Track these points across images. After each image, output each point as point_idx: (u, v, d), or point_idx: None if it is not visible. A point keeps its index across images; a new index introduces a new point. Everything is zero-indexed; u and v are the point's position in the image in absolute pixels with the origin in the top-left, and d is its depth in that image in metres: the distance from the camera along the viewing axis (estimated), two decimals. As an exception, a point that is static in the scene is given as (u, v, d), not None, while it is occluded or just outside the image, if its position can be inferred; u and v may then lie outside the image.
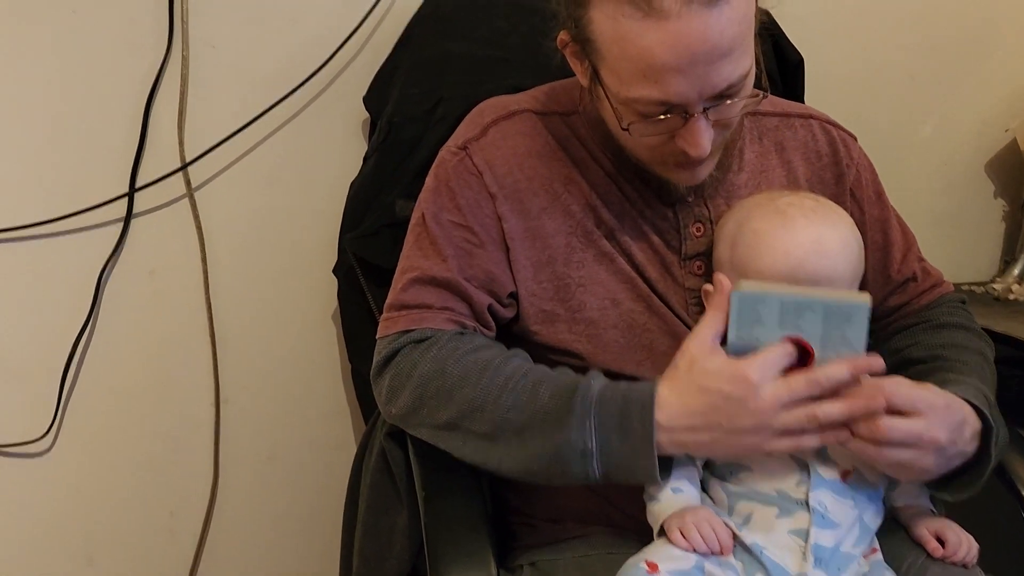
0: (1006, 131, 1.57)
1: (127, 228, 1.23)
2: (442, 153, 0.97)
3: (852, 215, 0.96)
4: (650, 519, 0.84)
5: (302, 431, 1.36)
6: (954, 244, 1.60)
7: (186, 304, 1.28)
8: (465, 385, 0.85)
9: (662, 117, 0.81)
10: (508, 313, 0.94)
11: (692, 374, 0.79)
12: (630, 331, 0.93)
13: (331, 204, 1.25)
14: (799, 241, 0.84)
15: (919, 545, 0.88)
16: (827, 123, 1.04)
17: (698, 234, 0.94)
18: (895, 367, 0.97)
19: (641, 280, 0.93)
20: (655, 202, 0.94)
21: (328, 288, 1.28)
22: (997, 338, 1.22)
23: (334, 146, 1.28)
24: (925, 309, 1.03)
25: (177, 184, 1.24)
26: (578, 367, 0.92)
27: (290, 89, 1.23)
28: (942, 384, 0.85)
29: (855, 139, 1.06)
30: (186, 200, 1.25)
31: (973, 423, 0.84)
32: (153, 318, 1.27)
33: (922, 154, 1.56)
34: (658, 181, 0.92)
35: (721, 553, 0.78)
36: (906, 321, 1.03)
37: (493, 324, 0.94)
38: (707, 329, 0.81)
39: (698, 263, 0.94)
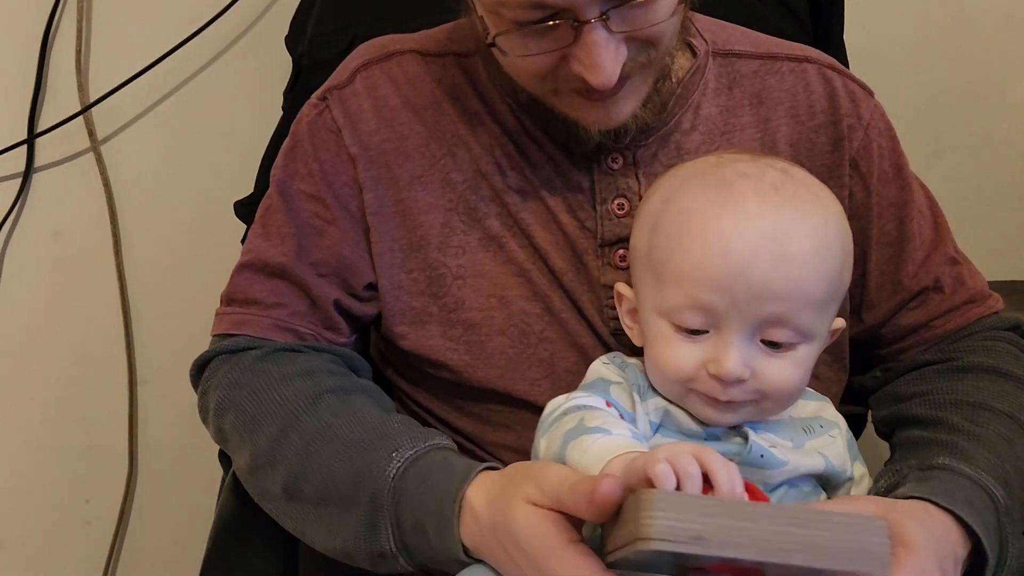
0: None
1: (27, 184, 1.12)
2: (304, 106, 0.77)
3: (853, 195, 0.74)
4: (580, 462, 0.58)
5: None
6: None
7: (95, 272, 1.17)
8: (257, 431, 0.69)
9: (545, 25, 0.60)
10: (367, 310, 0.75)
11: (508, 536, 0.56)
12: (522, 340, 0.72)
13: (256, 159, 1.08)
14: (746, 234, 0.59)
15: None
16: (829, 68, 0.77)
17: (621, 212, 0.72)
18: (891, 424, 0.76)
19: (543, 271, 0.72)
20: (568, 168, 0.72)
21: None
22: None
23: (257, 92, 1.12)
24: (953, 337, 0.76)
25: (80, 135, 1.13)
26: (456, 383, 0.74)
27: (204, 22, 1.07)
28: (927, 474, 0.65)
29: (870, 93, 0.78)
30: (91, 154, 1.14)
31: (961, 551, 0.61)
32: (59, 287, 1.17)
33: (1013, 115, 1.24)
34: (575, 139, 0.69)
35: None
36: (924, 355, 0.76)
37: (344, 326, 0.75)
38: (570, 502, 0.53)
39: (621, 251, 0.72)
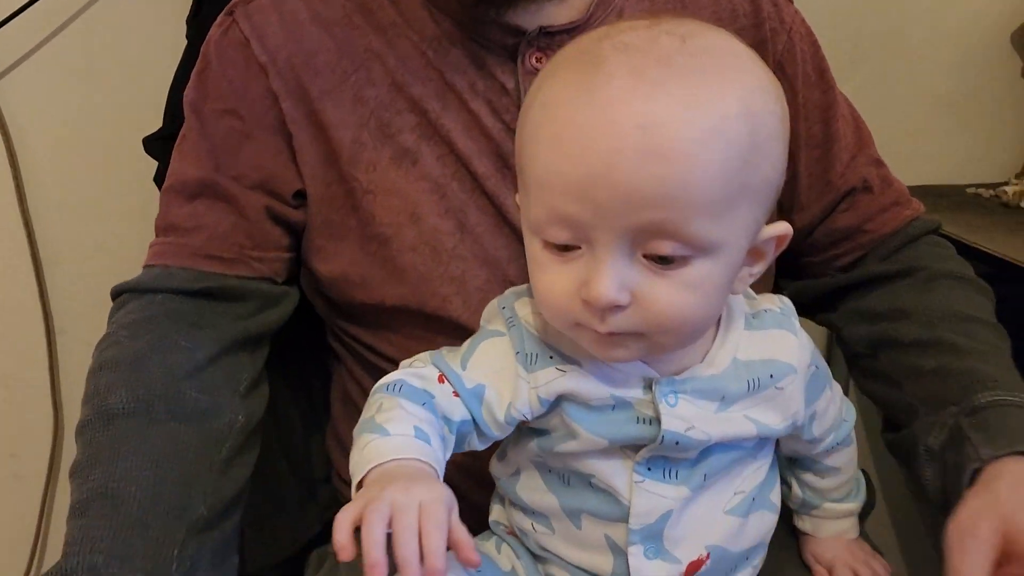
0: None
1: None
2: (211, 27, 0.74)
3: None
4: (355, 461, 0.52)
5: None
6: (963, 135, 1.31)
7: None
8: (89, 401, 0.65)
9: None
10: (300, 216, 0.73)
11: None
12: (434, 257, 0.70)
13: (163, 93, 1.02)
14: (605, 125, 0.47)
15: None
16: None
17: None
18: (876, 345, 0.72)
19: (464, 179, 0.70)
20: (492, 70, 0.70)
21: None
22: (997, 263, 0.98)
23: (160, 23, 1.06)
24: (890, 242, 0.76)
25: (-32, 73, 1.03)
26: (374, 305, 0.72)
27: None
28: (979, 419, 0.61)
29: (790, 0, 0.78)
30: (-15, 93, 1.04)
31: None
32: None
33: (929, 21, 1.26)
34: (500, 32, 0.68)
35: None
36: (879, 266, 0.76)
37: (280, 236, 0.72)
38: None
39: None
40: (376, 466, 0.49)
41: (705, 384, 0.55)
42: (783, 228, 0.55)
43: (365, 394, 0.77)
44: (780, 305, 0.60)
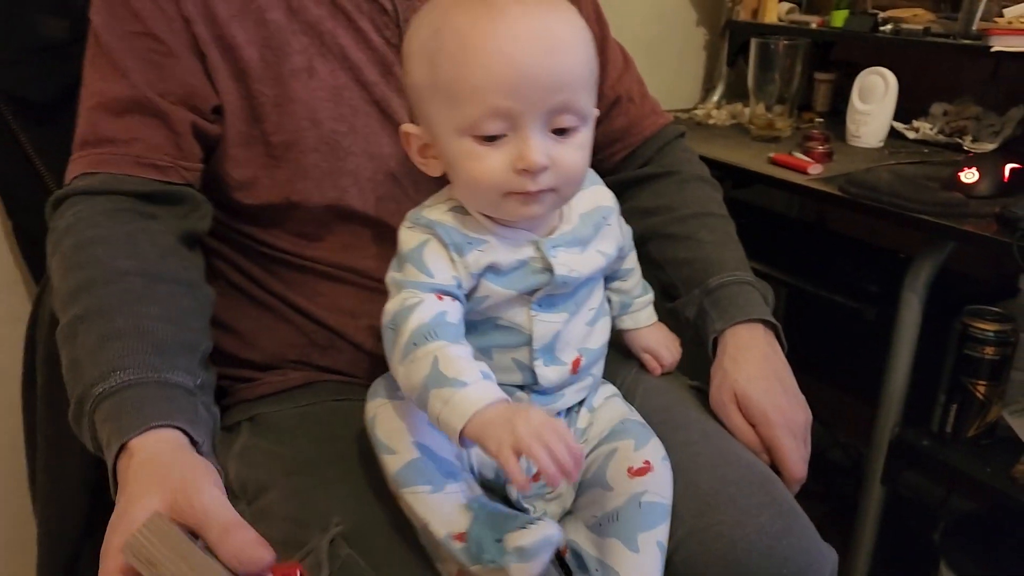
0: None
1: None
2: None
3: None
4: (442, 412, 0.64)
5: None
6: (661, 72, 1.64)
7: None
8: (64, 279, 0.72)
9: None
10: (217, 130, 0.82)
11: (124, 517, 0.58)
12: (332, 154, 0.83)
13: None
14: (520, 37, 0.66)
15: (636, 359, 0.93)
16: None
17: None
18: (647, 237, 0.96)
19: (355, 86, 0.84)
20: None
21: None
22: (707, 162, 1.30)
23: None
24: (652, 144, 1.02)
25: None
26: (277, 205, 0.84)
27: None
28: (716, 296, 0.90)
29: None
30: None
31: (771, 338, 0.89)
32: None
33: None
34: None
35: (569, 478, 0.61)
36: (644, 170, 1.01)
37: (199, 150, 0.81)
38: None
39: None
40: (475, 414, 0.62)
41: (569, 237, 0.76)
42: (596, 111, 0.75)
43: (250, 280, 0.91)
44: (587, 171, 0.81)
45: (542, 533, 0.63)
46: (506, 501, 0.75)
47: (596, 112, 0.73)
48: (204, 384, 0.70)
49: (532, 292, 0.75)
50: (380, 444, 0.71)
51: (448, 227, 0.73)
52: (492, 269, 0.73)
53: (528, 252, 0.74)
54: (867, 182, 1.10)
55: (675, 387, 0.92)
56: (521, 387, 0.78)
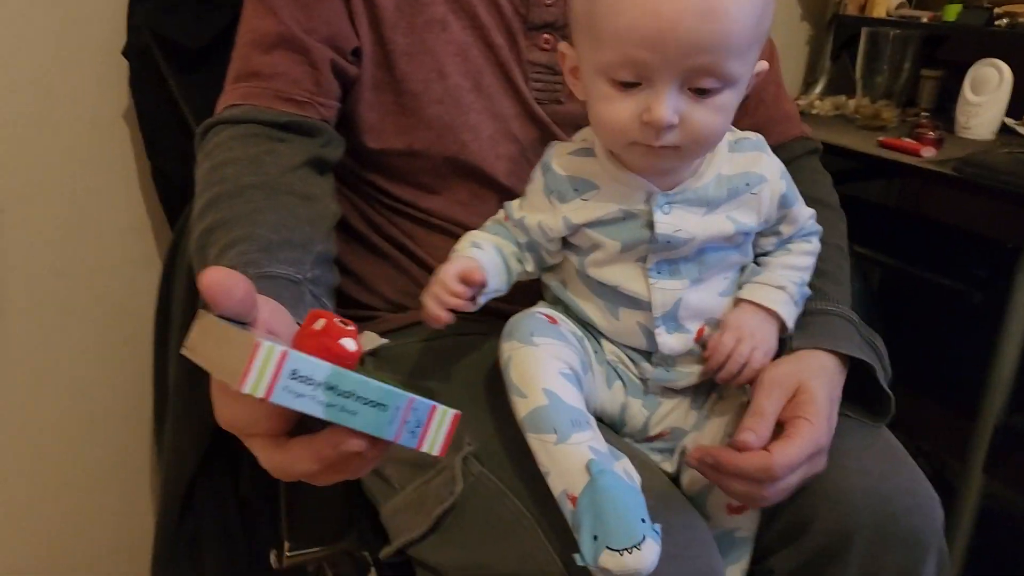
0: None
1: None
2: None
3: None
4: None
5: (96, 244, 1.22)
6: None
7: None
8: (203, 192, 0.77)
9: None
10: (354, 71, 0.86)
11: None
12: (455, 108, 0.87)
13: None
14: None
15: None
16: None
17: (548, 2, 0.87)
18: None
19: (482, 47, 0.87)
20: None
21: (116, 73, 1.12)
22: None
23: None
24: (779, 154, 0.85)
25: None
26: (399, 152, 0.88)
27: None
28: (806, 320, 0.81)
29: None
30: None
31: (840, 376, 0.79)
32: None
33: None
34: None
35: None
36: None
37: (337, 88, 0.85)
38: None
39: (545, 36, 0.88)
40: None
41: (692, 195, 0.74)
42: (764, 64, 0.72)
43: (372, 228, 0.94)
44: (755, 136, 0.79)
45: (635, 566, 0.61)
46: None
47: (748, 76, 0.70)
48: (317, 279, 0.71)
49: (639, 251, 0.75)
50: (512, 386, 0.71)
51: (557, 173, 0.76)
52: (596, 220, 0.75)
53: (638, 205, 0.74)
54: (985, 162, 1.10)
55: None
56: (646, 354, 0.79)
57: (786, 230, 0.81)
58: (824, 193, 0.94)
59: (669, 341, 0.76)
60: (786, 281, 0.79)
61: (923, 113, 1.53)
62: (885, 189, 1.70)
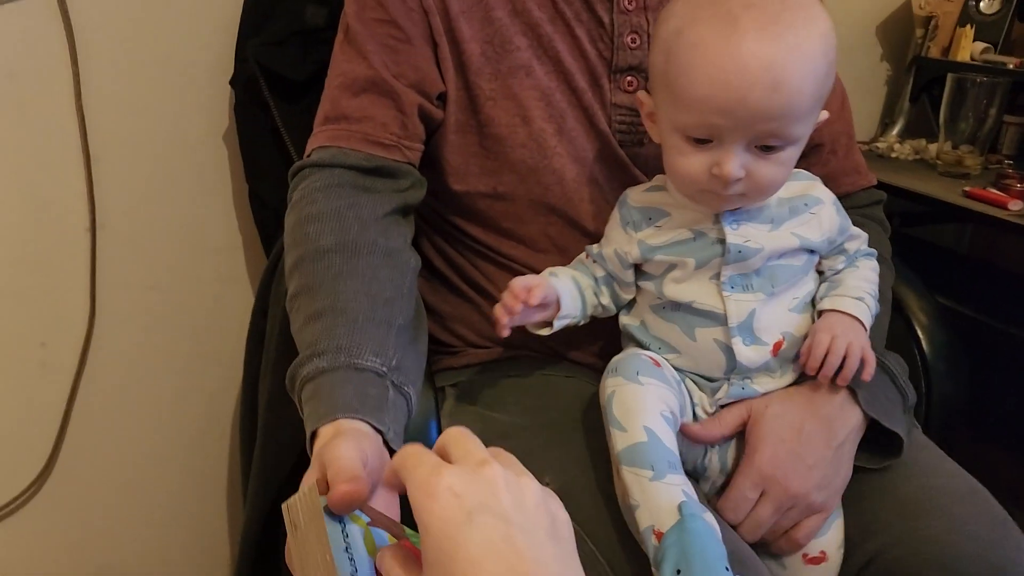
0: (902, -8, 1.59)
1: (-21, 20, 1.05)
2: None
3: None
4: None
5: (189, 261, 1.27)
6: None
7: (54, 114, 1.13)
8: (291, 251, 0.80)
9: None
10: (439, 115, 0.89)
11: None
12: (539, 152, 0.89)
13: (227, 3, 1.13)
14: (748, 68, 0.69)
15: None
16: None
17: (633, 45, 0.89)
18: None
19: (565, 91, 0.88)
20: (593, 7, 0.89)
21: (222, 100, 1.17)
22: (893, 191, 1.29)
23: None
24: (845, 204, 0.90)
25: (39, -30, 1.07)
26: (482, 194, 0.91)
27: None
28: None
29: None
30: (51, -11, 1.08)
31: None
32: (16, 130, 1.11)
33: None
34: None
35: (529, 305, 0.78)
36: None
37: (422, 131, 0.88)
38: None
39: (629, 78, 0.90)
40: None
41: (757, 212, 0.81)
42: (825, 115, 0.78)
43: (453, 268, 0.97)
44: (807, 171, 0.87)
45: None
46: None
47: (810, 131, 0.77)
48: (399, 365, 0.72)
49: (713, 267, 0.80)
50: (613, 419, 0.75)
51: (631, 206, 0.84)
52: (670, 242, 0.81)
53: (707, 225, 0.81)
54: (1077, 219, 1.09)
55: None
56: (723, 379, 0.82)
57: (851, 246, 0.87)
58: (883, 249, 0.97)
59: (747, 352, 0.80)
60: (863, 292, 0.84)
61: (1006, 161, 1.52)
62: (957, 235, 1.69)
